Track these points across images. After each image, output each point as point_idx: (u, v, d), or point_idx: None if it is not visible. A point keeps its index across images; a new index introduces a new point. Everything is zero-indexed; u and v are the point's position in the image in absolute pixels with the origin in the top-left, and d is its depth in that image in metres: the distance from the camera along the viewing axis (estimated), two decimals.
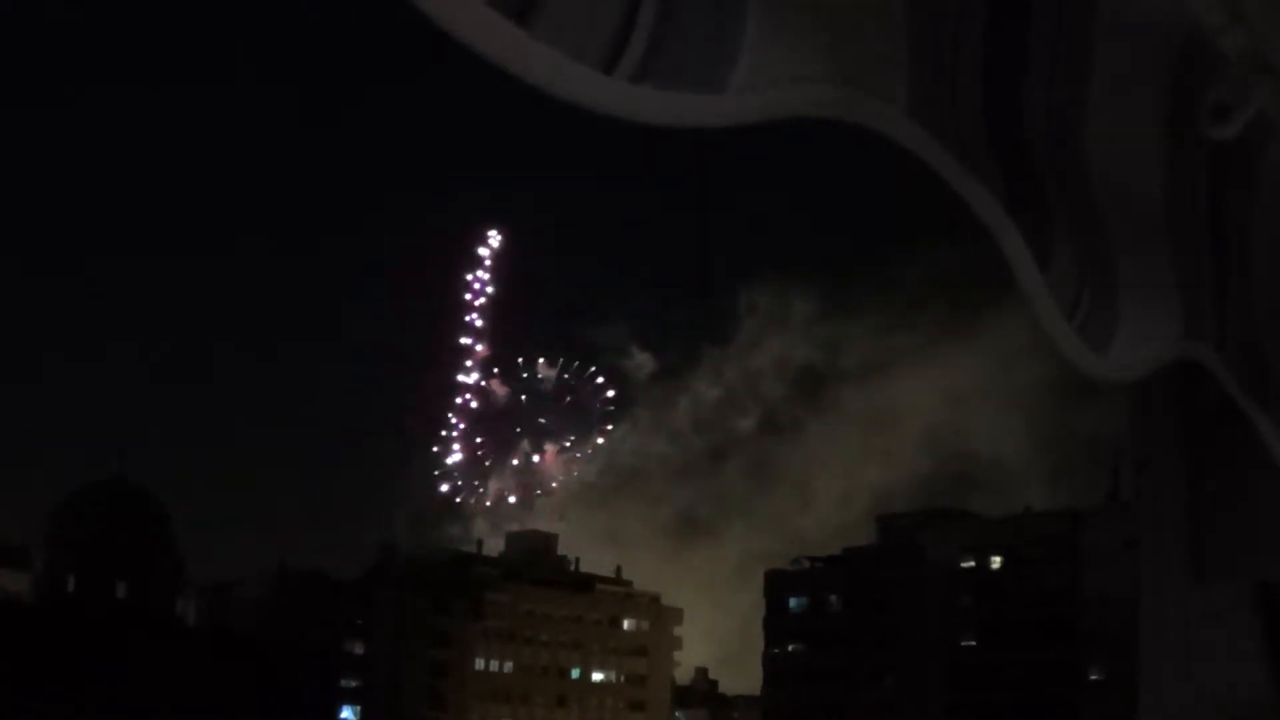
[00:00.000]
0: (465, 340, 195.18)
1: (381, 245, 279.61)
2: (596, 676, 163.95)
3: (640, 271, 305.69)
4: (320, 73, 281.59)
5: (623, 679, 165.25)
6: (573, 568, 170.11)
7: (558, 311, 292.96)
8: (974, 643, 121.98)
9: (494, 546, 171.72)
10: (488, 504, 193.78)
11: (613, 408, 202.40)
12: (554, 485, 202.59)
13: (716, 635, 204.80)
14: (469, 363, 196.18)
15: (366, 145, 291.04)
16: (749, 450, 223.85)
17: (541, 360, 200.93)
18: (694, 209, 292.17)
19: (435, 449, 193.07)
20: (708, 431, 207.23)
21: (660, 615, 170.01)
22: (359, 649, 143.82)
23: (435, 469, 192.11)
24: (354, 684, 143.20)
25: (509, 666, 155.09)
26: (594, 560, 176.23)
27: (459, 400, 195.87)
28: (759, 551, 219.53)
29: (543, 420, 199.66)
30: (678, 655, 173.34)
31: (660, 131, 1.92)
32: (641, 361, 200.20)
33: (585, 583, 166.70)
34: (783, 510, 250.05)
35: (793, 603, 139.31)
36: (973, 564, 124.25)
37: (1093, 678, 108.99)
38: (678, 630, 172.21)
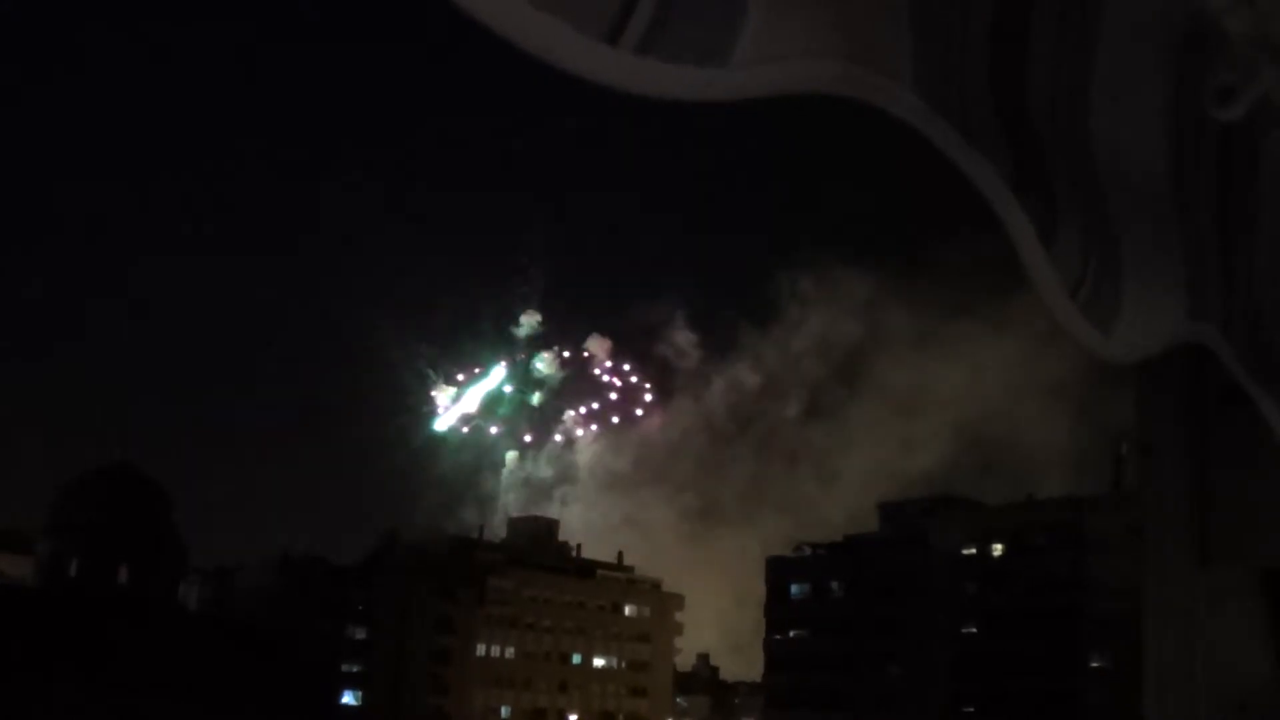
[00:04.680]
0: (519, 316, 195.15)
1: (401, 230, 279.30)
2: (598, 662, 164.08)
3: (688, 252, 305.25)
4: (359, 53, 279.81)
5: (625, 665, 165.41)
6: (574, 553, 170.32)
7: (609, 289, 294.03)
8: (977, 630, 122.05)
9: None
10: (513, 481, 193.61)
11: (655, 393, 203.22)
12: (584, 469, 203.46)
13: (727, 622, 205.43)
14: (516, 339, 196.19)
15: (404, 122, 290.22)
16: (770, 436, 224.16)
17: (593, 336, 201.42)
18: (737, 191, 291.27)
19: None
20: (733, 417, 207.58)
21: (662, 601, 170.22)
22: (361, 634, 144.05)
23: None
24: (356, 669, 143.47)
25: (511, 652, 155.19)
26: (611, 547, 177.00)
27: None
28: (781, 538, 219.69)
29: (589, 403, 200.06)
30: (680, 641, 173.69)
31: (704, 110, 2.05)
32: (684, 345, 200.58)
33: (587, 569, 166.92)
34: (803, 497, 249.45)
35: (794, 589, 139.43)
36: (976, 552, 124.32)
37: (1097, 665, 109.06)
38: (679, 616, 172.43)
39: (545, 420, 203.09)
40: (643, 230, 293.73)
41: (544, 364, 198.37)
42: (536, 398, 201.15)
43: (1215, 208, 2.98)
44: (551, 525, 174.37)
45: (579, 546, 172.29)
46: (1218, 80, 2.72)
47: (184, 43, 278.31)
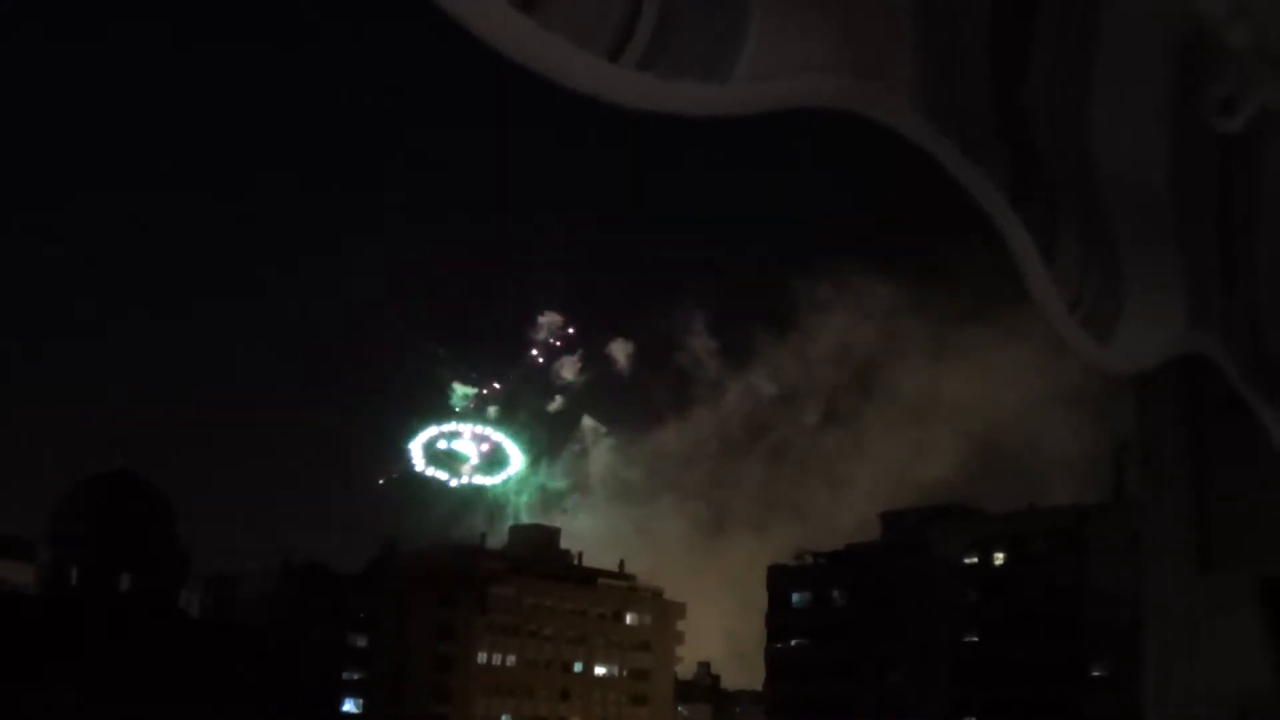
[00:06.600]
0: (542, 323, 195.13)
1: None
2: (599, 671, 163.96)
3: (707, 258, 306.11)
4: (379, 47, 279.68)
5: (625, 673, 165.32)
6: (576, 561, 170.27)
7: (629, 294, 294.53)
8: (978, 638, 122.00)
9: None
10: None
11: (673, 403, 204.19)
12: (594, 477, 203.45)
13: (733, 631, 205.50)
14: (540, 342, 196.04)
15: (434, 122, 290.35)
16: (781, 444, 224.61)
17: (616, 341, 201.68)
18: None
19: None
20: (746, 424, 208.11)
21: (663, 610, 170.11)
22: (362, 642, 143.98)
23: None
24: (357, 677, 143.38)
25: (512, 660, 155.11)
26: (622, 555, 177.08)
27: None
28: (790, 547, 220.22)
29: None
30: (683, 650, 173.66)
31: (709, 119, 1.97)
32: (701, 354, 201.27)
33: (588, 577, 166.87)
34: (814, 505, 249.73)
35: (796, 598, 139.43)
36: (977, 560, 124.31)
37: (1098, 673, 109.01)
38: (681, 625, 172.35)
39: (563, 427, 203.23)
40: (661, 234, 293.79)
41: (564, 369, 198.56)
42: (556, 402, 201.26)
43: (1215, 218, 2.99)
44: (553, 533, 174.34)
45: (580, 555, 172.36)
46: (1218, 91, 2.73)
47: (184, 44, 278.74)
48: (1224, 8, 2.59)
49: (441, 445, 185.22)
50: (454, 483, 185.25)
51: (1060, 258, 2.50)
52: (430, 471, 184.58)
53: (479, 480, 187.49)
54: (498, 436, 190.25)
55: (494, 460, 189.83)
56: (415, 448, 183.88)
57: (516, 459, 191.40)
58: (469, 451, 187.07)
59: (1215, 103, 2.74)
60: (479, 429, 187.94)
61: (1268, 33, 2.63)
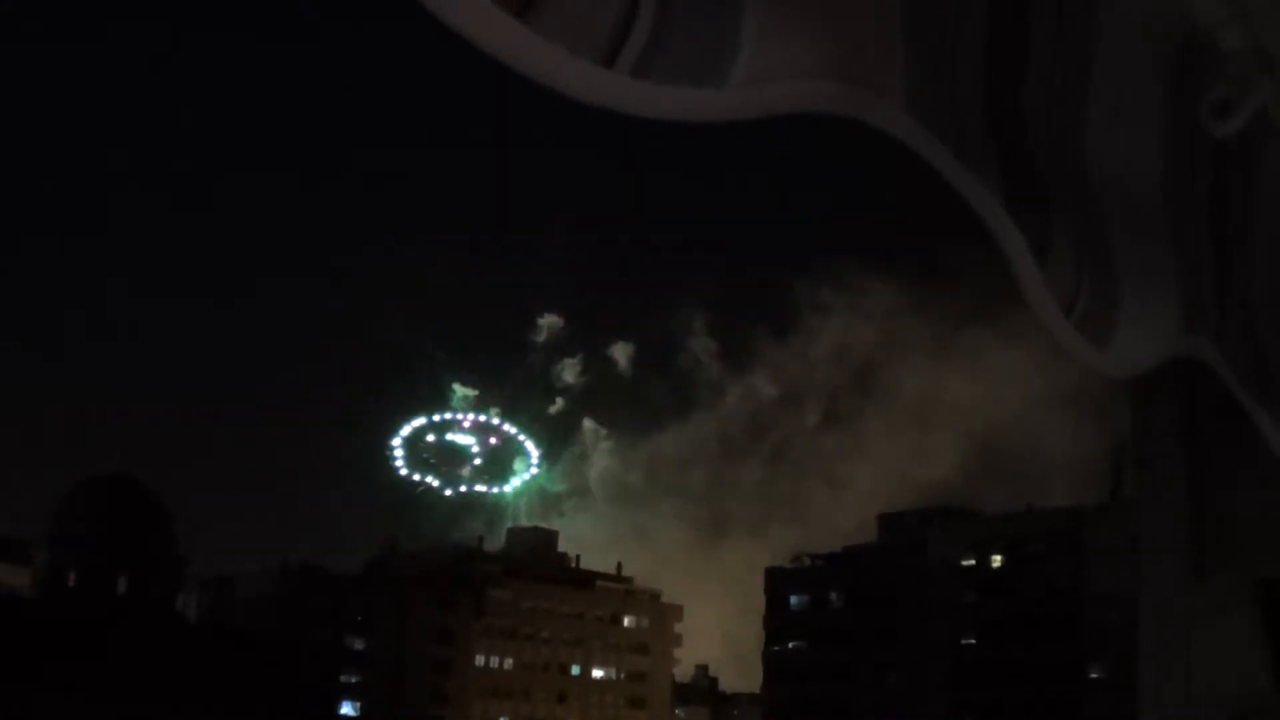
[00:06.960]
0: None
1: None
2: (597, 673, 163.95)
3: (707, 258, 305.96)
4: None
5: (623, 676, 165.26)
6: (574, 564, 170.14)
7: (629, 295, 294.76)
8: (976, 640, 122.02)
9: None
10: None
11: (673, 405, 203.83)
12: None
13: (732, 633, 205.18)
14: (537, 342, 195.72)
15: (436, 123, 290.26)
16: (781, 446, 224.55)
17: (617, 343, 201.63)
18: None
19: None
20: (746, 426, 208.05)
21: (661, 612, 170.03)
22: (360, 644, 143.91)
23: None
24: (354, 679, 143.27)
25: (510, 663, 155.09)
26: (619, 558, 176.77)
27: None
28: (790, 549, 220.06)
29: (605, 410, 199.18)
30: (680, 652, 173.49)
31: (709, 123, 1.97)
32: (701, 356, 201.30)
33: (586, 579, 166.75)
34: (812, 508, 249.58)
35: (793, 600, 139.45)
36: (975, 562, 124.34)
37: (1096, 674, 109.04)
38: (679, 627, 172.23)
39: (563, 429, 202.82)
40: (661, 235, 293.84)
41: (566, 371, 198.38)
42: (557, 404, 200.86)
43: (1209, 221, 2.99)
44: (551, 536, 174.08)
45: (578, 557, 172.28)
46: (1214, 94, 2.73)
47: (184, 45, 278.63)
48: (1221, 10, 2.60)
49: (431, 439, 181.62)
50: (449, 491, 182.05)
51: (1055, 261, 2.50)
52: (416, 476, 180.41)
53: (483, 487, 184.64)
54: (509, 429, 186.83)
55: (499, 458, 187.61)
56: (399, 445, 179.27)
57: (533, 458, 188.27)
58: (470, 444, 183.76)
59: (1212, 105, 2.73)
60: (483, 418, 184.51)
61: (1264, 35, 2.63)
